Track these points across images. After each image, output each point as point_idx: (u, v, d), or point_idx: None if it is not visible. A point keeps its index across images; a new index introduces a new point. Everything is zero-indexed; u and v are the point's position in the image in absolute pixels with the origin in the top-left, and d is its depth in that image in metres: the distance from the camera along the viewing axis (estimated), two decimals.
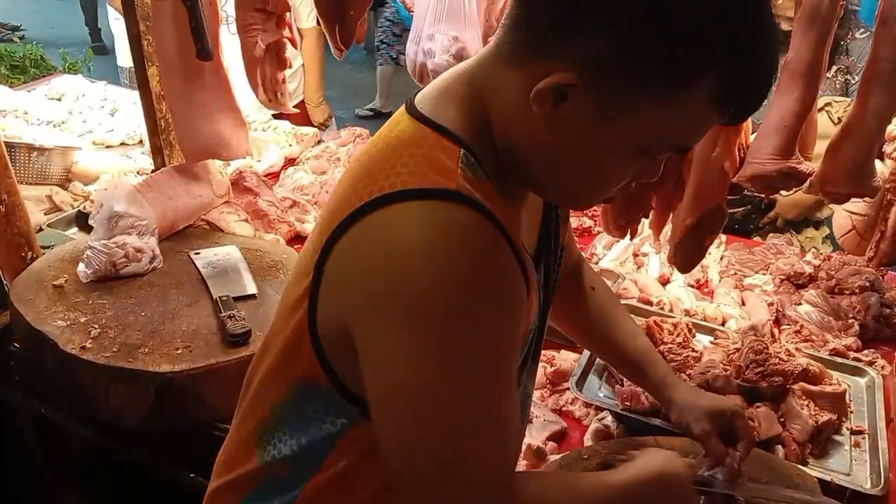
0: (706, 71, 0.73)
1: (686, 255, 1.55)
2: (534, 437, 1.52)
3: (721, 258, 2.29)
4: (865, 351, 1.83)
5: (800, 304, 2.02)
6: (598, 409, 1.60)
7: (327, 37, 1.97)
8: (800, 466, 1.39)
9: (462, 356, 0.74)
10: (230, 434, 1.02)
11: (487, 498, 0.76)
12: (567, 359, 1.73)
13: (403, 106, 0.87)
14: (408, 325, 0.73)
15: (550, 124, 0.77)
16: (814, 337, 1.85)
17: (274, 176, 2.65)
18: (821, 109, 2.32)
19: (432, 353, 0.73)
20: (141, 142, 2.81)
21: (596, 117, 0.76)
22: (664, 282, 2.15)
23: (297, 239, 2.29)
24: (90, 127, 2.90)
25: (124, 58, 4.22)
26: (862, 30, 2.47)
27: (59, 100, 3.16)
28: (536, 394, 1.68)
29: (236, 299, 1.70)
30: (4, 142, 1.85)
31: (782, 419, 1.49)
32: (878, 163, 1.41)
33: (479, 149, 0.81)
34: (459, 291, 0.72)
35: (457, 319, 0.72)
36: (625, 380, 1.58)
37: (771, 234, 2.68)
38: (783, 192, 1.57)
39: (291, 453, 0.92)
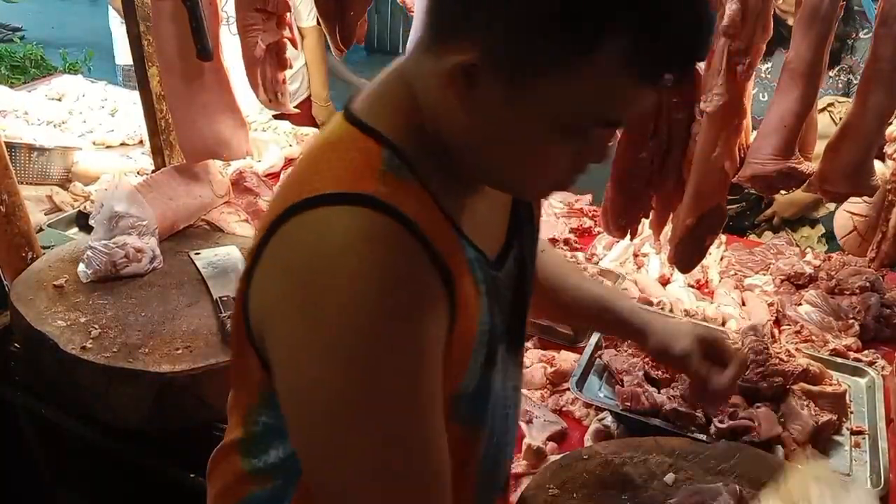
0: (605, 33, 0.67)
1: (686, 256, 1.54)
2: (534, 437, 1.52)
3: (721, 258, 2.28)
4: (865, 351, 1.83)
5: (800, 304, 2.01)
6: (599, 409, 1.60)
7: (327, 37, 1.97)
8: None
9: (361, 369, 0.71)
10: (222, 441, 1.00)
11: None
12: (567, 359, 1.73)
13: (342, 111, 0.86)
14: (309, 329, 0.72)
15: (468, 111, 0.74)
16: (814, 337, 1.85)
17: (274, 176, 2.65)
18: (823, 110, 2.32)
19: (331, 362, 0.71)
20: (141, 142, 2.81)
21: (506, 97, 0.72)
22: (664, 282, 2.15)
23: None
24: (90, 127, 2.90)
25: (122, 56, 4.23)
26: (866, 29, 2.47)
27: (59, 100, 3.16)
28: (536, 394, 1.68)
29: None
30: (4, 142, 1.85)
31: (782, 419, 1.49)
32: (878, 163, 1.41)
33: (410, 147, 0.78)
34: (358, 302, 0.70)
35: (356, 330, 0.70)
36: (624, 380, 1.59)
37: (768, 233, 2.69)
38: (782, 192, 1.57)
39: (278, 461, 0.89)
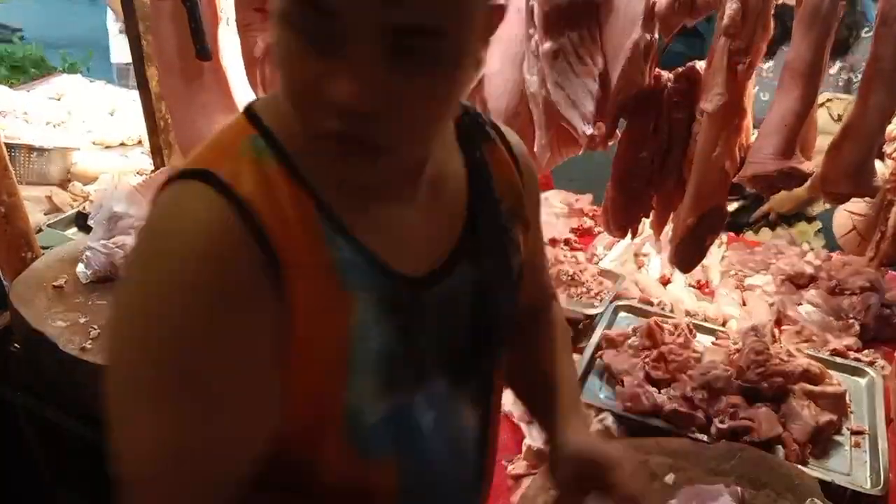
0: None
1: (687, 255, 1.54)
2: (534, 437, 1.52)
3: (722, 258, 2.28)
4: (866, 351, 1.83)
5: (800, 304, 2.01)
6: (599, 410, 1.60)
7: None
8: (800, 466, 1.39)
9: (146, 348, 0.67)
10: None
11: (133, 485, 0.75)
12: None
13: None
14: (118, 304, 0.72)
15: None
16: (814, 337, 1.85)
17: None
18: (821, 105, 2.32)
19: (122, 338, 0.70)
20: (140, 142, 2.81)
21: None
22: (665, 282, 2.15)
23: None
24: (90, 127, 2.89)
25: (116, 54, 4.23)
26: (867, 28, 2.47)
27: (58, 100, 3.16)
28: None
29: None
30: (4, 142, 1.85)
31: (783, 419, 1.49)
32: (878, 163, 1.41)
33: (298, 141, 0.72)
34: (162, 278, 0.67)
35: (150, 309, 0.67)
36: (625, 381, 1.58)
37: (765, 230, 2.69)
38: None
39: None
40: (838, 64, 2.55)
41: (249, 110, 0.76)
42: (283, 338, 0.69)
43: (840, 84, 2.55)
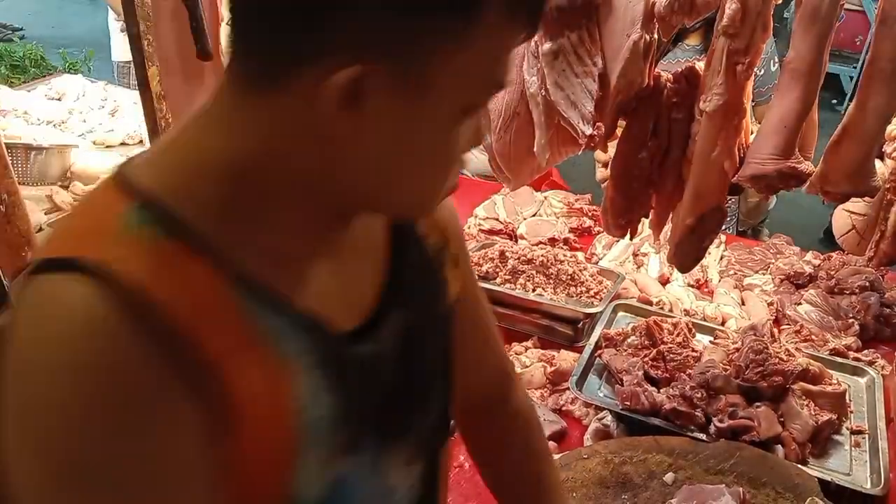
0: None
1: (686, 255, 1.54)
2: None
3: (721, 258, 2.29)
4: (865, 351, 1.84)
5: (800, 303, 2.02)
6: (598, 408, 1.60)
7: None
8: (800, 466, 1.40)
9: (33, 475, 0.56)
10: None
11: None
12: (567, 358, 1.74)
13: None
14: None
15: (357, 133, 0.61)
16: (814, 337, 1.86)
17: None
18: None
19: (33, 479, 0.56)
20: (141, 141, 2.81)
21: (408, 97, 0.60)
22: (664, 281, 2.16)
23: None
24: (90, 127, 2.90)
25: (117, 53, 4.23)
26: None
27: (59, 100, 3.17)
28: (536, 393, 1.68)
29: None
30: (4, 142, 1.85)
31: (782, 419, 1.49)
32: (878, 163, 1.41)
33: (189, 204, 0.61)
34: (53, 413, 0.55)
35: (42, 439, 0.56)
36: (624, 380, 1.59)
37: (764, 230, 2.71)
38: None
39: None
40: None
41: (121, 176, 0.63)
42: (216, 431, 0.60)
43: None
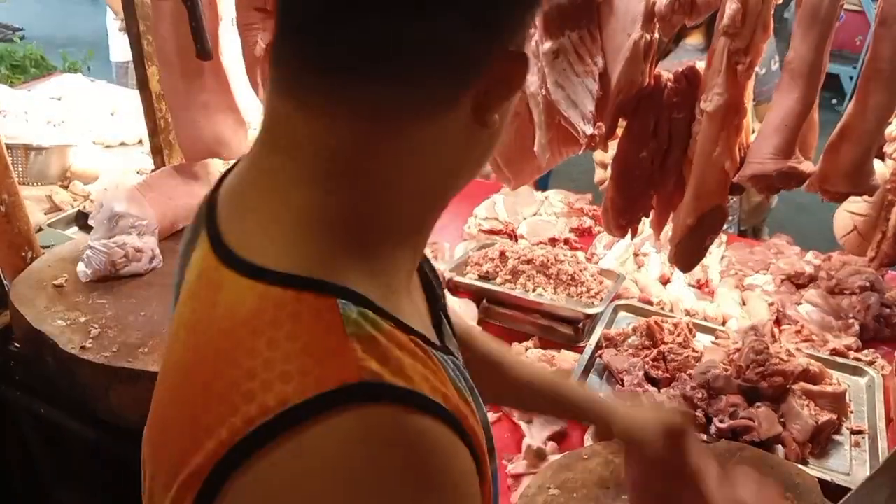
0: None
1: (687, 255, 1.54)
2: (534, 437, 1.52)
3: (721, 258, 2.29)
4: (865, 351, 1.84)
5: (800, 303, 2.02)
6: None
7: None
8: (800, 466, 1.39)
9: None
10: None
11: None
12: (567, 359, 1.74)
13: (208, 247, 0.59)
14: None
15: (482, 146, 0.61)
16: (814, 337, 1.86)
17: None
18: None
19: None
20: (141, 141, 2.81)
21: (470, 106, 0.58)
22: (664, 282, 2.15)
23: None
24: (90, 127, 2.90)
25: (116, 53, 4.23)
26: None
27: (59, 100, 3.16)
28: None
29: None
30: (4, 142, 1.85)
31: (782, 419, 1.49)
32: (878, 163, 1.41)
33: (358, 275, 0.55)
34: None
35: None
36: (625, 380, 1.59)
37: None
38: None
39: None
40: None
41: (276, 274, 0.53)
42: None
43: None
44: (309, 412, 0.48)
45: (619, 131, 1.56)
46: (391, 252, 0.59)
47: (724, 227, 2.65)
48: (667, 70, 1.50)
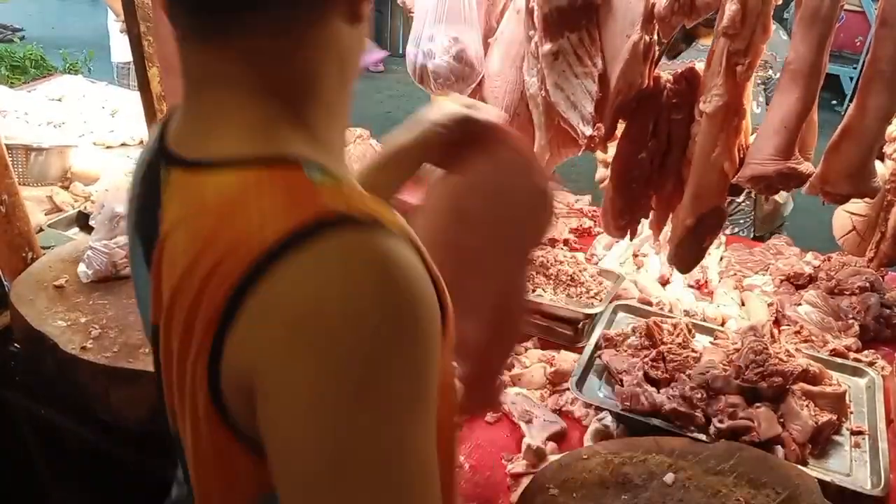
0: None
1: (686, 256, 1.54)
2: (534, 437, 1.52)
3: (721, 259, 2.29)
4: (865, 351, 1.84)
5: (799, 304, 2.02)
6: (598, 409, 1.60)
7: None
8: (800, 467, 1.39)
9: (385, 403, 0.62)
10: None
11: None
12: (567, 359, 1.74)
13: (182, 174, 0.72)
14: (323, 367, 0.60)
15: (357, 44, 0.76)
16: (814, 337, 1.86)
17: None
18: None
19: (353, 399, 0.60)
20: (141, 142, 2.81)
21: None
22: (664, 282, 2.16)
23: None
24: (91, 128, 2.90)
25: (116, 54, 4.23)
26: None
27: (59, 100, 3.17)
28: (536, 394, 1.69)
29: None
30: (4, 143, 1.85)
31: (782, 420, 1.49)
32: (878, 163, 1.41)
33: (309, 150, 0.70)
34: (379, 334, 0.61)
35: (376, 363, 0.61)
36: (624, 380, 1.59)
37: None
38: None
39: None
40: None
41: (236, 161, 0.68)
42: (443, 348, 0.70)
43: (757, 82, 2.42)
44: (298, 240, 0.61)
45: (619, 132, 1.56)
46: (326, 132, 0.75)
47: (739, 232, 2.65)
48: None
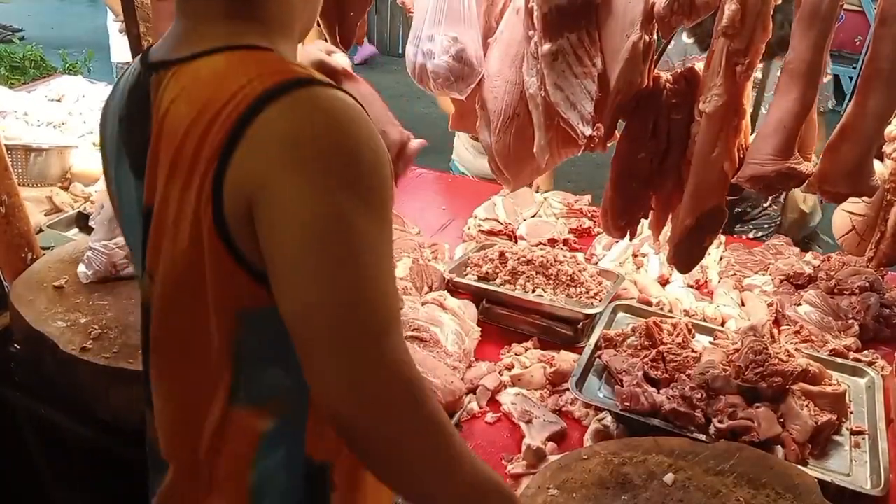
0: None
1: (685, 256, 1.54)
2: (534, 437, 1.52)
3: (720, 259, 2.29)
4: (865, 351, 1.84)
5: (799, 304, 2.02)
6: (598, 409, 1.60)
7: (327, 37, 1.97)
8: (800, 467, 1.39)
9: (378, 206, 0.83)
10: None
11: (382, 340, 0.81)
12: (567, 359, 1.74)
13: (176, 74, 0.90)
14: (329, 177, 0.80)
15: None
16: (813, 337, 1.86)
17: None
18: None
19: (350, 198, 0.80)
20: None
21: None
22: (664, 282, 2.16)
23: None
24: (91, 128, 2.89)
25: (116, 54, 4.23)
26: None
27: (59, 101, 3.16)
28: (536, 394, 1.69)
29: None
30: (4, 143, 1.85)
31: (782, 419, 1.49)
32: (877, 163, 1.41)
33: (270, 44, 0.91)
34: (372, 153, 0.83)
35: (373, 175, 0.83)
36: (624, 380, 1.59)
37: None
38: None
39: (276, 390, 0.94)
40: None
41: (217, 49, 0.88)
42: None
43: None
44: (283, 90, 0.81)
45: (618, 132, 1.56)
46: (287, 42, 0.96)
47: (763, 237, 2.62)
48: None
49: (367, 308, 0.81)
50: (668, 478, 1.35)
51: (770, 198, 2.69)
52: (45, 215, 2.30)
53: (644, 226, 1.70)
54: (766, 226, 2.72)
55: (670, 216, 1.59)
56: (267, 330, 0.88)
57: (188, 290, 0.90)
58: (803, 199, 2.65)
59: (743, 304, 2.04)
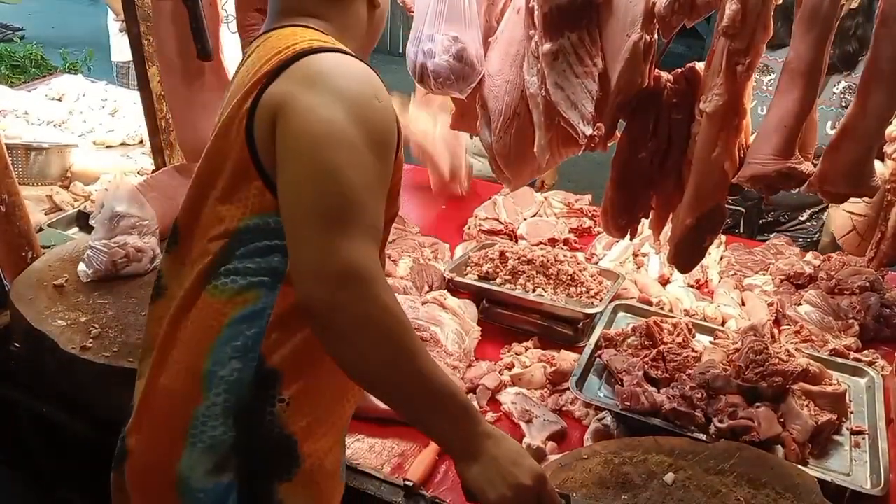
0: None
1: (686, 256, 1.54)
2: (534, 437, 1.52)
3: (721, 258, 2.29)
4: (865, 351, 1.84)
5: (800, 304, 2.02)
6: (598, 409, 1.60)
7: None
8: (800, 466, 1.39)
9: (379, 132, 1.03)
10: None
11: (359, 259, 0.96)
12: (567, 359, 1.74)
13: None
14: (338, 104, 1.00)
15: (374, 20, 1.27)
16: (814, 337, 1.86)
17: None
18: None
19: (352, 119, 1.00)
20: (141, 142, 2.81)
21: None
22: (664, 282, 2.16)
23: None
24: (91, 127, 2.90)
25: (116, 53, 4.23)
26: None
27: (59, 100, 3.17)
28: (536, 394, 1.69)
29: None
30: (4, 142, 1.85)
31: (782, 419, 1.49)
32: (878, 163, 1.41)
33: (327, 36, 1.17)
34: (377, 100, 1.05)
35: (374, 110, 1.03)
36: (624, 380, 1.59)
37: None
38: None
39: (252, 270, 1.09)
40: (843, 83, 2.43)
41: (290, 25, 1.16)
42: (396, 163, 1.12)
43: (844, 105, 2.41)
44: (318, 51, 1.07)
45: (619, 132, 1.56)
46: (347, 42, 1.18)
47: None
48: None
49: (340, 202, 0.97)
50: (669, 477, 1.35)
51: (808, 211, 2.63)
52: (46, 214, 2.30)
53: (644, 225, 1.70)
54: (800, 240, 2.61)
55: (671, 216, 1.59)
56: (263, 232, 1.07)
57: (213, 172, 1.12)
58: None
59: (743, 304, 2.04)
